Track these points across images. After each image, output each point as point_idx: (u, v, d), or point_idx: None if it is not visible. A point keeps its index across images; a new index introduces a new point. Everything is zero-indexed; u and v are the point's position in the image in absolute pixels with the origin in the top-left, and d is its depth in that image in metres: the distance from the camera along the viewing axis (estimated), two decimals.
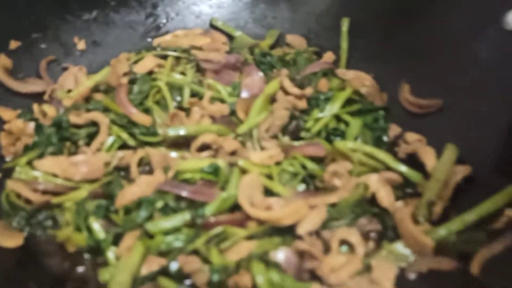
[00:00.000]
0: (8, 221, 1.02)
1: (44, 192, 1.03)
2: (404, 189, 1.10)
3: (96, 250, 0.98)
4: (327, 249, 0.99)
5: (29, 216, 1.03)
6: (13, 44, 1.34)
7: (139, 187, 1.01)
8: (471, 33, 1.21)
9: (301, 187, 1.12)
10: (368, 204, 1.06)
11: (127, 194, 1.01)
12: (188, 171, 1.07)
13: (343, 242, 1.00)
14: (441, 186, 1.05)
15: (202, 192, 1.01)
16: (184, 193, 1.01)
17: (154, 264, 0.92)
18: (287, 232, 0.99)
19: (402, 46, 1.38)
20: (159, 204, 0.99)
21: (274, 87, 1.27)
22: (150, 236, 0.98)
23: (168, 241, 0.96)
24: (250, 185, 1.02)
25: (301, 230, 0.97)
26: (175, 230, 0.97)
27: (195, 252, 0.95)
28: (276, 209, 0.97)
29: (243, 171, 1.08)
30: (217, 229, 0.97)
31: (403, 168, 1.10)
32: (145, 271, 0.91)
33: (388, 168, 1.11)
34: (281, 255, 0.93)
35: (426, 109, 1.27)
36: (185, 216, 0.99)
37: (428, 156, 1.14)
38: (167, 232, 0.97)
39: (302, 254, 0.96)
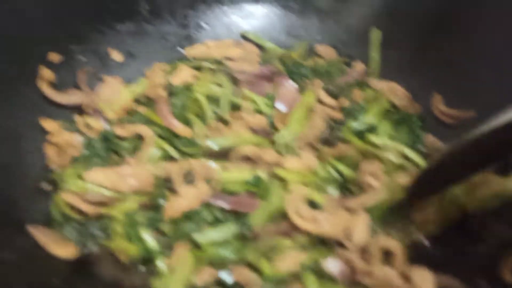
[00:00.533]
0: (60, 231, 1.04)
1: (95, 203, 1.04)
2: None
3: (148, 260, 0.99)
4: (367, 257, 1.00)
5: (81, 227, 1.05)
6: (53, 57, 1.36)
7: (186, 200, 1.03)
8: (506, 45, 1.22)
9: (336, 192, 1.14)
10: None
11: (175, 206, 1.03)
12: (231, 182, 1.09)
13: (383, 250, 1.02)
14: None
15: (244, 203, 1.03)
16: (226, 205, 1.03)
17: (207, 275, 0.94)
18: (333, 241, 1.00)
19: (435, 57, 1.39)
20: (208, 217, 1.01)
21: (310, 97, 1.29)
22: (198, 246, 1.00)
23: (219, 252, 0.97)
24: (295, 197, 1.04)
25: (352, 243, 0.99)
26: (224, 241, 0.98)
27: (246, 263, 0.96)
28: (323, 222, 0.98)
29: (282, 180, 1.10)
30: (266, 240, 0.98)
31: None
32: (199, 282, 0.93)
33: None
34: (332, 265, 0.94)
35: (460, 120, 1.28)
36: (232, 227, 1.01)
37: None
38: (216, 243, 0.98)
39: (351, 264, 0.97)
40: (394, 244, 1.00)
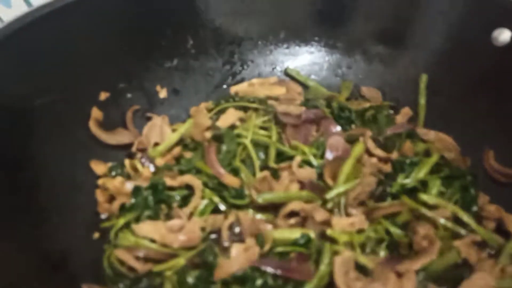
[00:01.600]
0: None
1: (145, 259, 1.03)
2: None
3: None
4: None
5: (132, 284, 1.04)
6: (103, 96, 1.36)
7: (236, 261, 1.01)
8: None
9: (385, 253, 1.11)
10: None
11: (225, 268, 1.01)
12: (280, 243, 1.07)
13: None
14: None
15: (298, 270, 1.01)
16: (279, 272, 1.01)
17: None
18: None
19: (486, 108, 1.34)
20: (259, 282, 0.99)
21: (360, 149, 1.25)
22: None
23: None
24: (344, 264, 1.01)
25: None
26: None
27: None
28: None
29: (331, 241, 1.08)
30: None
31: (484, 232, 1.10)
32: None
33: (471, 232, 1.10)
34: None
35: None
36: None
37: (510, 222, 1.13)
38: None
39: None
40: None
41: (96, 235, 1.15)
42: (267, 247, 1.05)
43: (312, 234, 1.07)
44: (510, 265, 1.04)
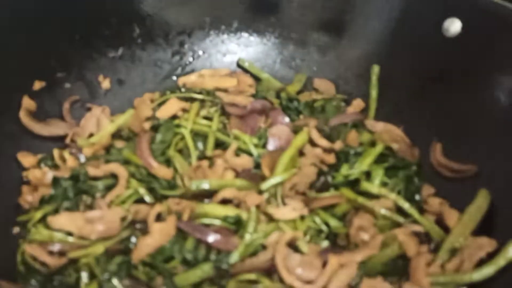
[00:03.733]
0: (25, 285, 0.95)
1: (60, 253, 0.96)
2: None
3: None
4: None
5: (44, 281, 0.96)
6: (37, 85, 1.28)
7: (153, 238, 0.95)
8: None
9: (325, 243, 1.05)
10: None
11: (142, 248, 0.94)
12: (210, 216, 1.01)
13: None
14: (468, 233, 0.99)
15: (225, 241, 0.95)
16: (210, 239, 0.95)
17: None
18: None
19: (436, 102, 1.28)
20: (179, 256, 0.94)
21: (302, 140, 1.19)
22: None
23: None
24: (284, 246, 0.94)
25: (331, 286, 0.90)
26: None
27: None
28: (315, 281, 0.89)
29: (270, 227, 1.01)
30: (248, 275, 0.90)
31: (426, 222, 1.04)
32: None
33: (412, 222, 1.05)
34: None
35: (459, 174, 1.16)
36: (209, 266, 0.93)
37: (450, 217, 1.06)
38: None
39: None
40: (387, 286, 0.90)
41: (16, 229, 1.07)
42: (185, 217, 0.98)
43: (244, 216, 1.00)
44: (449, 262, 0.97)
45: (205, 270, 0.93)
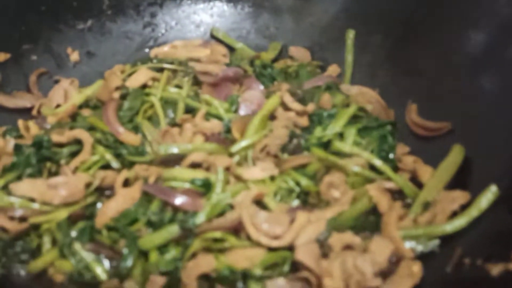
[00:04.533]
0: None
1: (21, 219, 0.92)
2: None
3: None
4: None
5: (5, 246, 0.93)
6: (2, 57, 1.24)
7: (117, 201, 0.92)
8: (485, 58, 1.09)
9: (295, 202, 1.02)
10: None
11: (106, 211, 0.92)
12: (178, 179, 0.98)
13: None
14: (442, 187, 0.97)
15: (191, 202, 0.92)
16: (176, 200, 0.91)
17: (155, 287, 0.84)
18: None
19: (411, 64, 1.26)
20: (143, 218, 0.90)
21: (273, 103, 1.16)
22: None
23: (167, 259, 0.88)
24: (249, 203, 0.91)
25: (298, 241, 0.87)
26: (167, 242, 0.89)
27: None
28: (283, 236, 0.87)
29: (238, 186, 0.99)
30: (214, 234, 0.88)
31: (399, 179, 1.02)
32: None
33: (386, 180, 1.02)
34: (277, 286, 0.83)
35: (433, 132, 1.14)
36: (175, 227, 0.90)
37: (424, 173, 1.05)
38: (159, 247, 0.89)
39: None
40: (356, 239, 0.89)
41: None
42: (152, 179, 0.96)
43: (213, 178, 0.97)
44: (422, 216, 0.95)
45: (170, 231, 0.90)
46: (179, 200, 0.92)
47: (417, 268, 0.85)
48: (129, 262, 0.87)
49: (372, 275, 0.82)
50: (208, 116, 1.17)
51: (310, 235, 0.86)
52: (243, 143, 1.05)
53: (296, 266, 0.87)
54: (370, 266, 0.82)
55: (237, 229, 0.91)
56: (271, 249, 0.87)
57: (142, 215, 0.91)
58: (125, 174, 1.00)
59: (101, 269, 0.89)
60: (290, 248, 0.88)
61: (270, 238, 0.87)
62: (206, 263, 0.84)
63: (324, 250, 0.88)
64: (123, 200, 0.92)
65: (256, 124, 1.09)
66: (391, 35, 1.31)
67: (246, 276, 0.84)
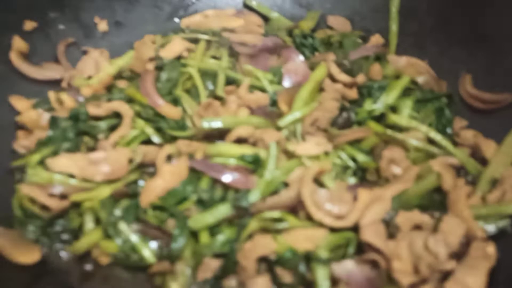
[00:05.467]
0: (22, 231, 0.85)
1: (62, 197, 0.85)
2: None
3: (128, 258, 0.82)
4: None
5: (45, 225, 0.86)
6: (28, 25, 1.16)
7: (163, 179, 0.85)
8: None
9: (352, 180, 0.95)
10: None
11: (151, 190, 0.84)
12: (224, 155, 0.90)
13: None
14: (509, 163, 0.90)
15: (243, 179, 0.85)
16: (227, 178, 0.84)
17: (209, 267, 0.79)
18: None
19: (462, 31, 1.16)
20: (193, 197, 0.83)
21: (321, 73, 1.07)
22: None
23: (220, 240, 0.82)
24: (310, 181, 0.84)
25: (364, 221, 0.80)
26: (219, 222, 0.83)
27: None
28: (347, 216, 0.80)
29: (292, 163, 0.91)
30: (272, 213, 0.81)
31: (461, 154, 0.95)
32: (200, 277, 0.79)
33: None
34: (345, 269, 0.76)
35: (491, 105, 1.06)
36: (227, 206, 0.84)
37: (487, 148, 0.97)
38: (211, 228, 0.83)
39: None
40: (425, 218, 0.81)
41: (11, 176, 0.96)
42: (199, 156, 0.88)
43: (263, 154, 0.89)
44: (490, 193, 0.87)
45: (222, 210, 0.83)
46: (230, 177, 0.85)
47: (491, 249, 0.78)
48: (180, 243, 0.80)
49: (446, 257, 0.74)
50: (251, 88, 1.09)
51: (376, 214, 0.79)
52: (292, 116, 0.97)
53: (361, 248, 0.80)
54: (443, 248, 0.75)
55: (294, 209, 0.83)
56: (333, 230, 0.80)
57: (192, 193, 0.84)
58: (167, 149, 0.92)
59: (148, 250, 0.82)
60: (353, 228, 0.80)
61: (333, 218, 0.79)
62: (265, 245, 0.77)
63: (390, 230, 0.80)
64: (170, 177, 0.84)
65: (304, 96, 1.01)
66: (441, 2, 1.21)
67: (309, 258, 0.77)
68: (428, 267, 0.75)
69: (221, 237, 0.82)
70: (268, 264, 0.81)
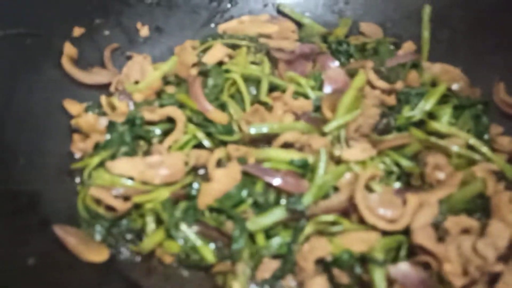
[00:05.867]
0: (89, 231, 0.90)
1: (124, 198, 0.90)
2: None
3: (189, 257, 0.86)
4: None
5: (110, 226, 0.90)
6: (77, 31, 1.20)
7: (218, 183, 0.89)
8: None
9: (397, 185, 0.98)
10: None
11: (208, 193, 0.88)
12: (274, 160, 0.94)
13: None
14: None
15: (295, 183, 0.89)
16: (276, 182, 0.88)
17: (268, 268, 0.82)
18: None
19: (497, 37, 1.19)
20: (249, 200, 0.87)
21: (361, 80, 1.10)
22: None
23: (277, 242, 0.86)
24: (363, 185, 0.88)
25: (415, 225, 0.84)
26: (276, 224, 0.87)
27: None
28: (398, 220, 0.84)
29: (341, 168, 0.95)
30: (326, 217, 0.85)
31: (500, 160, 0.98)
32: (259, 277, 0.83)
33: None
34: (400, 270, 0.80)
35: None
36: (282, 209, 0.87)
37: None
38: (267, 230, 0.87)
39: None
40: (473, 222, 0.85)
41: (70, 177, 1.01)
42: (252, 160, 0.92)
43: (311, 159, 0.93)
44: None
45: (277, 213, 0.87)
46: (283, 181, 0.88)
47: None
48: (240, 244, 0.84)
49: (495, 259, 0.78)
50: (294, 94, 1.12)
51: (426, 218, 0.83)
52: (337, 123, 1.01)
53: (412, 251, 0.84)
54: (492, 251, 0.78)
55: (346, 212, 0.87)
56: (385, 233, 0.84)
57: (248, 196, 0.88)
58: (218, 154, 0.97)
59: (209, 251, 0.86)
60: (404, 232, 0.84)
61: (386, 222, 0.83)
62: (322, 247, 0.81)
63: (439, 234, 0.84)
64: (224, 180, 0.88)
65: (347, 103, 1.04)
66: (472, 9, 1.24)
67: (365, 260, 0.81)
68: (477, 269, 0.79)
69: (277, 239, 0.86)
70: (325, 265, 0.84)
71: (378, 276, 0.79)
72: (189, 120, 1.03)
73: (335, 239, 0.84)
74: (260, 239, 0.86)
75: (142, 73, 1.20)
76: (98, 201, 0.90)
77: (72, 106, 1.08)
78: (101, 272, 0.83)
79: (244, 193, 0.89)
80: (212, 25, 1.43)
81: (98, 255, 0.84)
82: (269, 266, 0.83)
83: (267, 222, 0.86)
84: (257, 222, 0.86)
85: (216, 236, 0.87)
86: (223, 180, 0.89)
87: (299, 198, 0.86)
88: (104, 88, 1.19)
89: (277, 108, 1.04)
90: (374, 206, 0.84)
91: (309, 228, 0.85)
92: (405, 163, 0.96)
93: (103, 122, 1.00)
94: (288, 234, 0.87)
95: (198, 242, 0.86)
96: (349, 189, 0.88)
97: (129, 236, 0.90)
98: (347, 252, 0.82)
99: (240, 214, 0.88)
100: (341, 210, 0.87)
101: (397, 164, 0.98)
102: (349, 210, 0.87)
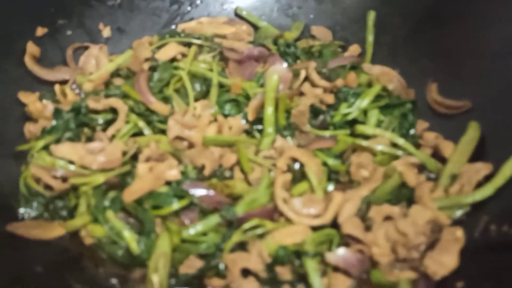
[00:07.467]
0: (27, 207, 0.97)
1: (63, 179, 0.96)
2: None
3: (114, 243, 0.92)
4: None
5: (47, 202, 0.97)
6: (40, 31, 1.26)
7: (146, 182, 0.93)
8: (506, 35, 1.09)
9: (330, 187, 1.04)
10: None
11: (134, 191, 0.93)
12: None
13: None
14: (466, 160, 1.00)
15: (218, 201, 0.94)
16: (201, 201, 0.94)
17: (191, 267, 0.88)
18: None
19: (431, 44, 1.26)
20: (183, 202, 0.93)
21: (274, 82, 1.17)
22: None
23: (207, 243, 0.91)
24: (280, 184, 0.94)
25: (341, 218, 0.90)
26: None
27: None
28: (323, 215, 0.91)
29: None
30: (252, 221, 0.90)
31: (421, 155, 1.05)
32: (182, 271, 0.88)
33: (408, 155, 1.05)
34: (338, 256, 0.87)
35: (454, 110, 1.15)
36: (216, 217, 0.93)
37: (446, 148, 1.07)
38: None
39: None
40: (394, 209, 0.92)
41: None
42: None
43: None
44: (451, 187, 0.97)
45: (212, 219, 0.94)
46: (206, 202, 0.95)
47: (460, 232, 0.88)
48: (141, 247, 0.90)
49: (414, 233, 0.85)
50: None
51: (350, 210, 0.89)
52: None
53: (346, 243, 0.90)
54: (411, 227, 0.85)
55: (272, 217, 0.93)
56: (315, 228, 0.90)
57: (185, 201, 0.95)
58: (153, 139, 1.03)
59: (134, 241, 0.91)
60: (335, 226, 0.91)
61: (311, 218, 0.90)
62: (245, 258, 0.87)
63: (366, 224, 0.91)
64: (152, 181, 0.93)
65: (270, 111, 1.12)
66: (411, 18, 1.31)
67: (299, 254, 0.87)
68: (403, 247, 0.85)
69: (206, 240, 0.91)
70: (267, 266, 0.89)
71: (311, 267, 0.85)
72: (132, 110, 1.09)
73: (267, 239, 0.89)
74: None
75: (98, 65, 1.27)
76: (38, 180, 0.96)
77: (26, 97, 1.14)
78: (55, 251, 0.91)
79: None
80: (173, 26, 1.49)
81: (57, 230, 0.92)
82: (194, 264, 0.88)
83: (201, 229, 0.92)
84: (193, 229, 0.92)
85: (139, 228, 0.93)
86: (150, 179, 0.93)
87: (231, 208, 0.92)
88: (65, 84, 1.26)
89: (204, 117, 1.10)
90: (298, 207, 0.90)
91: (236, 237, 0.90)
92: (332, 162, 1.03)
93: (50, 108, 1.07)
94: (218, 237, 0.92)
95: (122, 229, 0.91)
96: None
97: (63, 213, 0.97)
98: (281, 248, 0.87)
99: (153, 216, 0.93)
100: (266, 215, 0.93)
101: (325, 163, 1.04)
102: (274, 215, 0.93)
